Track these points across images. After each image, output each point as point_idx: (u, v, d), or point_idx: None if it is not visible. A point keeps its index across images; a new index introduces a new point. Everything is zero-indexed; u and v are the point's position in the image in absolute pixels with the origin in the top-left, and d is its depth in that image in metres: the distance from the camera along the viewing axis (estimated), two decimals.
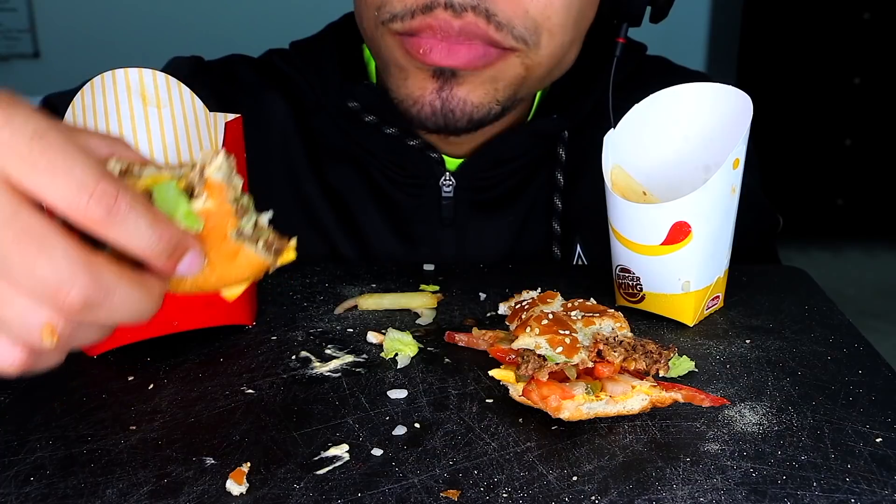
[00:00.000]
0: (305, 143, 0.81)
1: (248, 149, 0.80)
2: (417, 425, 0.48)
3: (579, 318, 0.52)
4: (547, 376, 0.47)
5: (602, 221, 0.65)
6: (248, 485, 0.42)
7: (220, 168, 0.40)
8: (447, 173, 0.77)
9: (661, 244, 0.59)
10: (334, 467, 0.44)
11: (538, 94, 0.79)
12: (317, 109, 0.81)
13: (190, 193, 0.40)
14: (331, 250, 0.81)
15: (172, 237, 0.38)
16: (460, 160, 0.77)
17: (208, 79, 0.82)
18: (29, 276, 0.35)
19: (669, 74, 0.79)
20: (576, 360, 0.48)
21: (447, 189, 0.77)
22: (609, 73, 0.73)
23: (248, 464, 0.43)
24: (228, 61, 0.86)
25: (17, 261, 0.34)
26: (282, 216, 0.79)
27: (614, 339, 0.50)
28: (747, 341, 0.59)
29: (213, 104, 0.81)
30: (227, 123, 0.62)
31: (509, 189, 0.80)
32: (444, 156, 0.77)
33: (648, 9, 0.75)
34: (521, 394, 0.49)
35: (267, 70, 0.84)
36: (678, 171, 0.66)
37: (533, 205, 0.80)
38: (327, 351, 0.58)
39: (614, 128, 0.65)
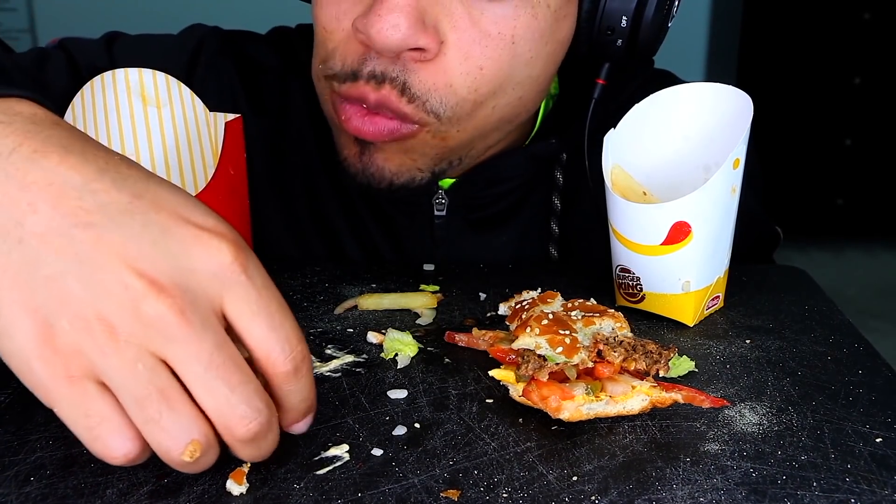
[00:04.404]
0: (319, 138, 0.79)
1: (266, 137, 0.79)
2: (417, 425, 0.48)
3: (579, 318, 0.52)
4: (547, 376, 0.47)
5: (598, 245, 0.64)
6: (248, 485, 0.42)
7: None
8: (440, 192, 0.76)
9: (662, 244, 0.59)
10: (334, 467, 0.44)
11: (540, 115, 0.77)
12: None
13: None
14: (339, 253, 0.80)
15: (314, 404, 0.44)
16: (453, 180, 0.76)
17: (232, 59, 0.81)
18: (224, 397, 0.38)
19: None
20: (576, 360, 0.48)
21: (440, 208, 0.76)
22: (587, 113, 0.71)
23: (248, 464, 0.43)
24: (250, 38, 0.84)
25: (218, 381, 0.38)
26: (293, 213, 0.80)
27: (614, 340, 0.50)
28: (747, 341, 0.59)
29: (239, 86, 0.81)
30: (226, 123, 0.62)
31: (503, 209, 0.79)
32: None
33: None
34: (521, 394, 0.49)
35: (287, 54, 0.82)
36: (678, 171, 0.66)
37: (527, 227, 0.79)
38: (327, 351, 0.58)
39: (614, 128, 0.65)
